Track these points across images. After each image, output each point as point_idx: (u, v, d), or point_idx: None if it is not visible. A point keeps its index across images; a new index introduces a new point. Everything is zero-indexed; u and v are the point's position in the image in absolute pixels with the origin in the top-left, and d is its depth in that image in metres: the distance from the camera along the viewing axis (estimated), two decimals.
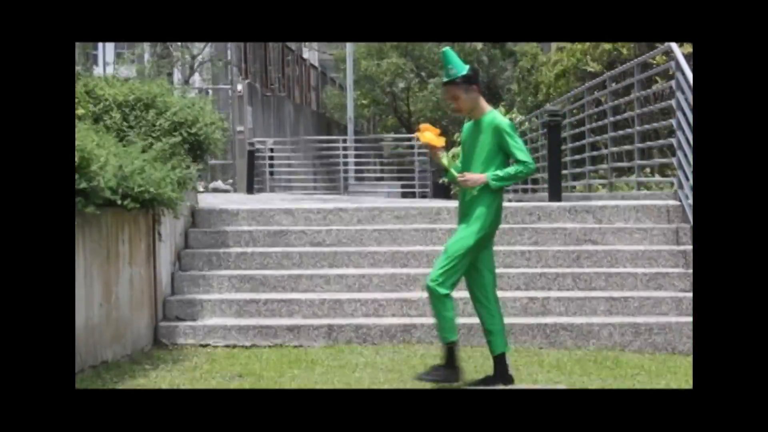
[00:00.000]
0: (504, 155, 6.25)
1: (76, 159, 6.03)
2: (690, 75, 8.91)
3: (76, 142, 6.02)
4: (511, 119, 21.50)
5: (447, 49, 6.35)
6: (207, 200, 11.26)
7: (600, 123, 12.78)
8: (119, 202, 6.85)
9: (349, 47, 27.33)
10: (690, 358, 7.39)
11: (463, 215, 6.31)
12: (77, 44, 11.63)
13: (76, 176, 6.09)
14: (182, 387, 6.39)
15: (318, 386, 6.34)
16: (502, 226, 9.03)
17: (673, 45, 9.60)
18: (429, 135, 6.32)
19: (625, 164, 12.15)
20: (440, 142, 6.35)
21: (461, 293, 6.55)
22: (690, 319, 7.84)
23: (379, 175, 29.19)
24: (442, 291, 6.13)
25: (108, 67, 22.45)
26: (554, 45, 19.35)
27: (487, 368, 6.76)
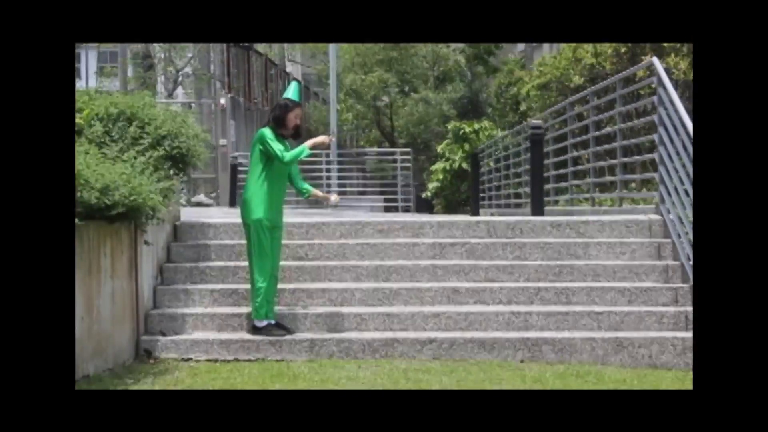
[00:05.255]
0: None
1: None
2: (672, 90, 8.95)
3: None
4: (492, 135, 21.47)
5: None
6: (189, 214, 11.22)
7: (582, 138, 12.81)
8: (105, 208, 6.82)
9: (333, 61, 27.31)
10: (671, 372, 7.44)
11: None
12: None
13: None
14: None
15: None
16: (485, 240, 9.11)
17: (655, 60, 9.64)
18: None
19: (607, 179, 12.19)
20: None
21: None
22: (671, 333, 7.91)
23: (362, 189, 29.15)
24: None
25: (90, 79, 22.33)
26: (536, 60, 19.40)
27: (470, 383, 6.77)
